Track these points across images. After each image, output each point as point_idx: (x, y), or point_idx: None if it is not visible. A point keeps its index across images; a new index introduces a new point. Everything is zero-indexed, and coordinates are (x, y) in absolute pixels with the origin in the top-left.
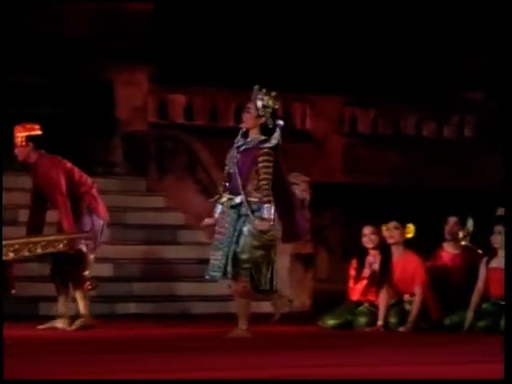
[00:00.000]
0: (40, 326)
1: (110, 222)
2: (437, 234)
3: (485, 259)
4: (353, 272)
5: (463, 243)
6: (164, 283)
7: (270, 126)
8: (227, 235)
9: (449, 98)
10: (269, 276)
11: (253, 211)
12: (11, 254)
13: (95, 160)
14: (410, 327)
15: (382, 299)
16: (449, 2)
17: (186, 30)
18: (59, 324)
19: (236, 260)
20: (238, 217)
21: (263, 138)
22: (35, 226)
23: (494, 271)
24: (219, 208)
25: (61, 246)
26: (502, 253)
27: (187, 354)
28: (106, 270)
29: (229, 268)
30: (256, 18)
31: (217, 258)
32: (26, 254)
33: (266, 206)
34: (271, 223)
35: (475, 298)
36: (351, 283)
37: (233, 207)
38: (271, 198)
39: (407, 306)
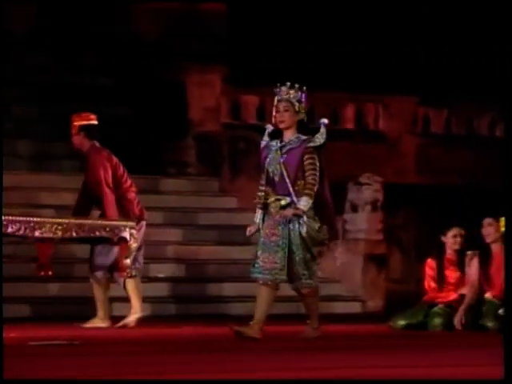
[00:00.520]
0: (84, 325)
1: (183, 223)
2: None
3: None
4: (430, 272)
5: None
6: (237, 284)
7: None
8: (282, 237)
9: None
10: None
11: (303, 211)
12: (59, 233)
13: (168, 161)
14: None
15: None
16: None
17: (258, 31)
18: (100, 323)
19: (305, 262)
20: (289, 219)
21: (305, 137)
22: (81, 211)
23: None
24: (259, 213)
25: (105, 231)
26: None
27: (273, 354)
28: (178, 270)
29: (301, 271)
30: (328, 19)
31: (274, 261)
32: (74, 234)
33: (304, 197)
34: (302, 214)
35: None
36: (430, 283)
37: (282, 208)
38: (313, 193)
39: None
